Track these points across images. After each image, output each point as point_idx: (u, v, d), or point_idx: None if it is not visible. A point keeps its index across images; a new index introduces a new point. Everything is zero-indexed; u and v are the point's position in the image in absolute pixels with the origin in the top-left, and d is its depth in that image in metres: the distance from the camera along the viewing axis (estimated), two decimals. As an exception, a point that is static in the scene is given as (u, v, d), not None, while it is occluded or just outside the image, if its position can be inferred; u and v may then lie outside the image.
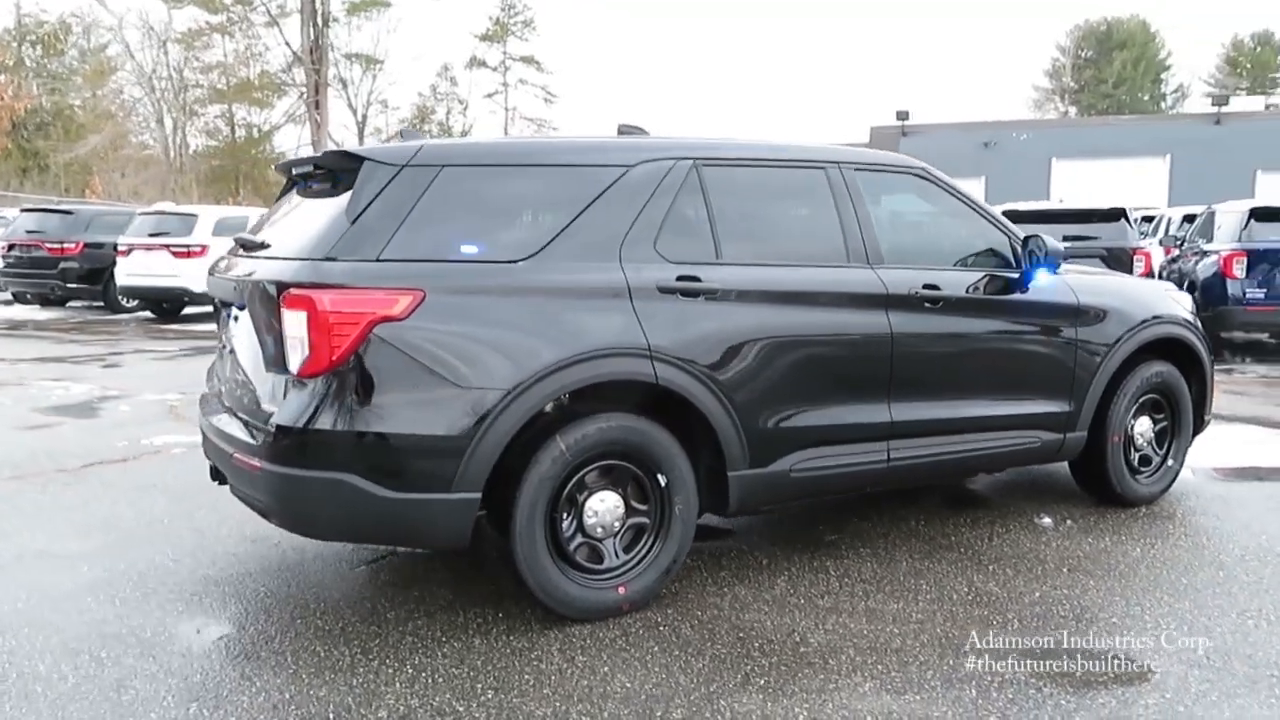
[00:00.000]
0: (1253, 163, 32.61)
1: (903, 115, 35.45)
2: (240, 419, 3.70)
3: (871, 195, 4.32)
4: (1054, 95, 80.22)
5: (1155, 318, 5.05)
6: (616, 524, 3.64)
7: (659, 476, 3.66)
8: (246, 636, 3.50)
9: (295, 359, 3.31)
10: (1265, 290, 10.22)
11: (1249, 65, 77.27)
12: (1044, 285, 4.64)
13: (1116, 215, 11.38)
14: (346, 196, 3.47)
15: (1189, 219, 14.90)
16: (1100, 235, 11.08)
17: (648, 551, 3.70)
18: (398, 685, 3.12)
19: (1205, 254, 11.12)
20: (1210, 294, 10.47)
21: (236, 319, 3.94)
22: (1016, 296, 4.57)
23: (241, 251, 3.93)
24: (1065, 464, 5.16)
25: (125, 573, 4.08)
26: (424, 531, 3.45)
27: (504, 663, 3.30)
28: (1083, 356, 4.76)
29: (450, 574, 4.10)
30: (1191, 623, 3.61)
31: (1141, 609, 3.75)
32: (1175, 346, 5.17)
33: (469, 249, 3.51)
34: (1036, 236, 4.58)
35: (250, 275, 3.63)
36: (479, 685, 3.13)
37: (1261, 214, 10.67)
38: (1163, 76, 78.69)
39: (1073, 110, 76.08)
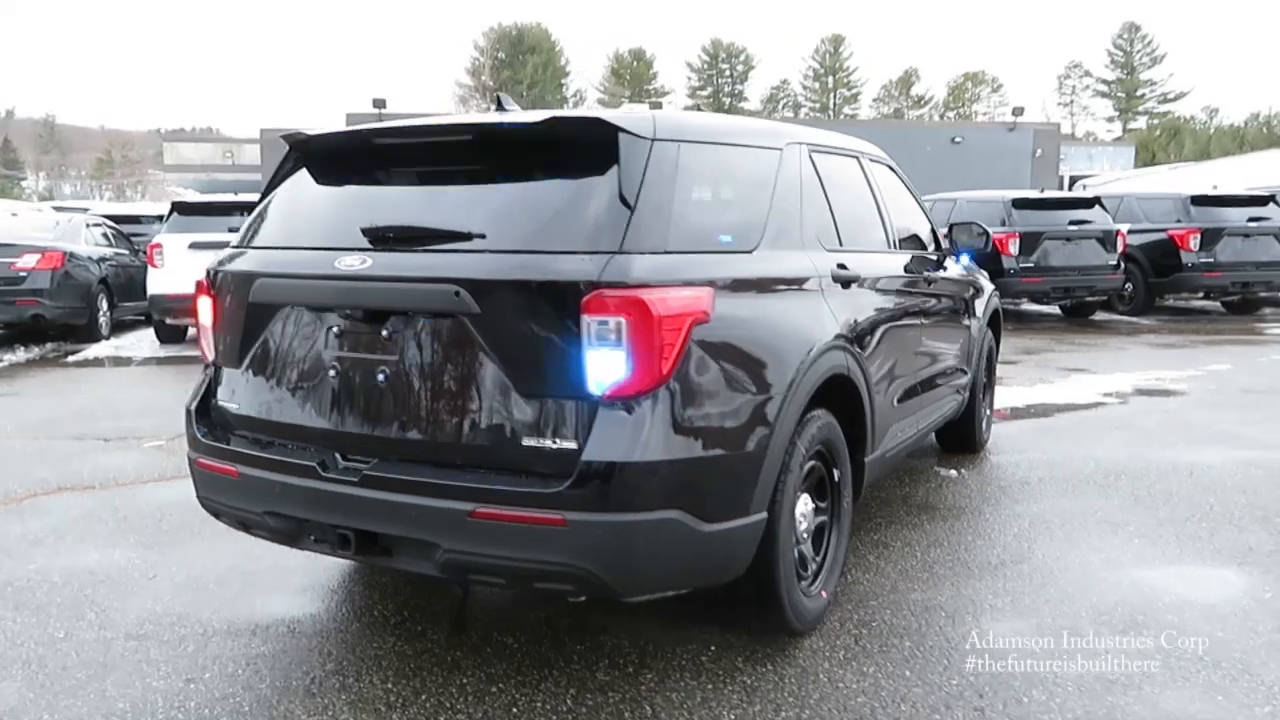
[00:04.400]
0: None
1: (379, 103, 35.04)
2: (444, 462, 2.81)
3: (883, 183, 4.59)
4: (476, 93, 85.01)
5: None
6: (811, 526, 3.49)
7: (834, 470, 3.58)
8: None
9: (606, 376, 2.63)
10: None
11: (629, 76, 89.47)
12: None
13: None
14: (571, 175, 2.85)
15: None
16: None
17: (829, 550, 3.60)
18: None
19: None
20: None
21: (340, 332, 2.96)
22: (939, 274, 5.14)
23: (346, 248, 2.94)
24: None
25: None
26: (725, 566, 2.95)
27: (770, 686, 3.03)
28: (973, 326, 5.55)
29: (606, 614, 3.55)
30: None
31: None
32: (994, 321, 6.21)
33: (725, 238, 3.08)
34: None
35: (429, 274, 2.78)
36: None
37: None
38: (564, 82, 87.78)
39: (493, 107, 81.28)
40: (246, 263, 3.25)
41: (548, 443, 2.69)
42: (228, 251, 3.40)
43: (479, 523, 2.69)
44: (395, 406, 2.89)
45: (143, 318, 13.31)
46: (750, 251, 3.17)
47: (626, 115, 2.93)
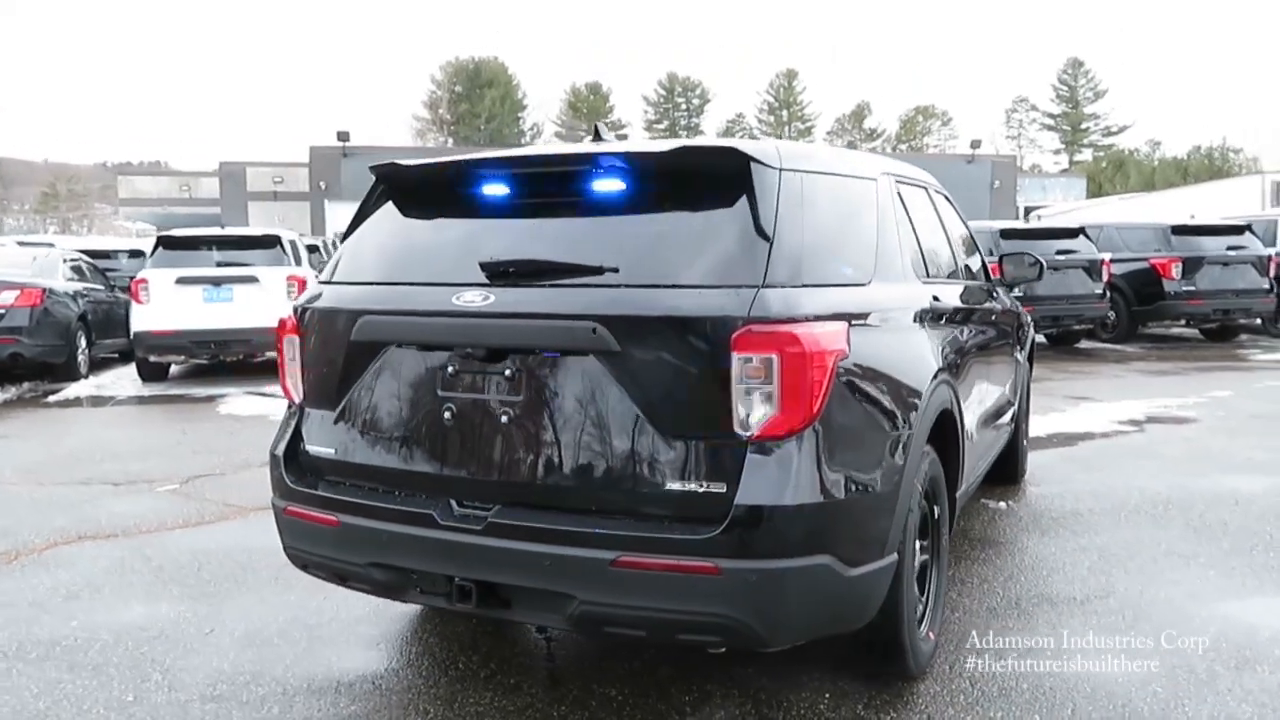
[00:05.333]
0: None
1: (344, 136, 34.77)
2: (577, 508, 2.66)
3: (944, 213, 4.54)
4: (433, 126, 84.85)
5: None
6: (917, 566, 3.39)
7: (935, 508, 3.48)
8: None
9: (755, 415, 2.51)
10: None
11: (585, 109, 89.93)
12: None
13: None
14: (703, 206, 2.75)
15: None
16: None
17: (931, 590, 3.49)
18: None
19: None
20: None
21: (455, 371, 2.81)
22: None
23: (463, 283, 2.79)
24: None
25: None
26: (863, 611, 2.82)
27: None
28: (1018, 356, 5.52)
29: (703, 661, 3.39)
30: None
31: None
32: None
33: (846, 270, 2.99)
34: None
35: (562, 310, 2.65)
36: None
37: None
38: (521, 115, 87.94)
39: (450, 141, 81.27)
40: (344, 299, 3.08)
41: (693, 486, 2.55)
42: (315, 288, 3.23)
43: (621, 572, 2.54)
44: (520, 450, 2.73)
45: (116, 355, 12.91)
46: (866, 284, 3.08)
47: (754, 145, 2.83)
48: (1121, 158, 74.08)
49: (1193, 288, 13.39)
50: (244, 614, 4.02)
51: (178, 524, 5.42)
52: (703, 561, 2.49)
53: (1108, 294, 13.31)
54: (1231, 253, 13.64)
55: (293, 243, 11.94)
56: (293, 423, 3.22)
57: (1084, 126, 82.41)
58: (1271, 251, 13.98)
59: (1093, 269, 13.12)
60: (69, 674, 3.48)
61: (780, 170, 2.81)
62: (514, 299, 2.73)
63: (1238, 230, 14.10)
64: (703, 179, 2.78)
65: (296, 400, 3.20)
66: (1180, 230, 13.96)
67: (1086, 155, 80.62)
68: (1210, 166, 66.83)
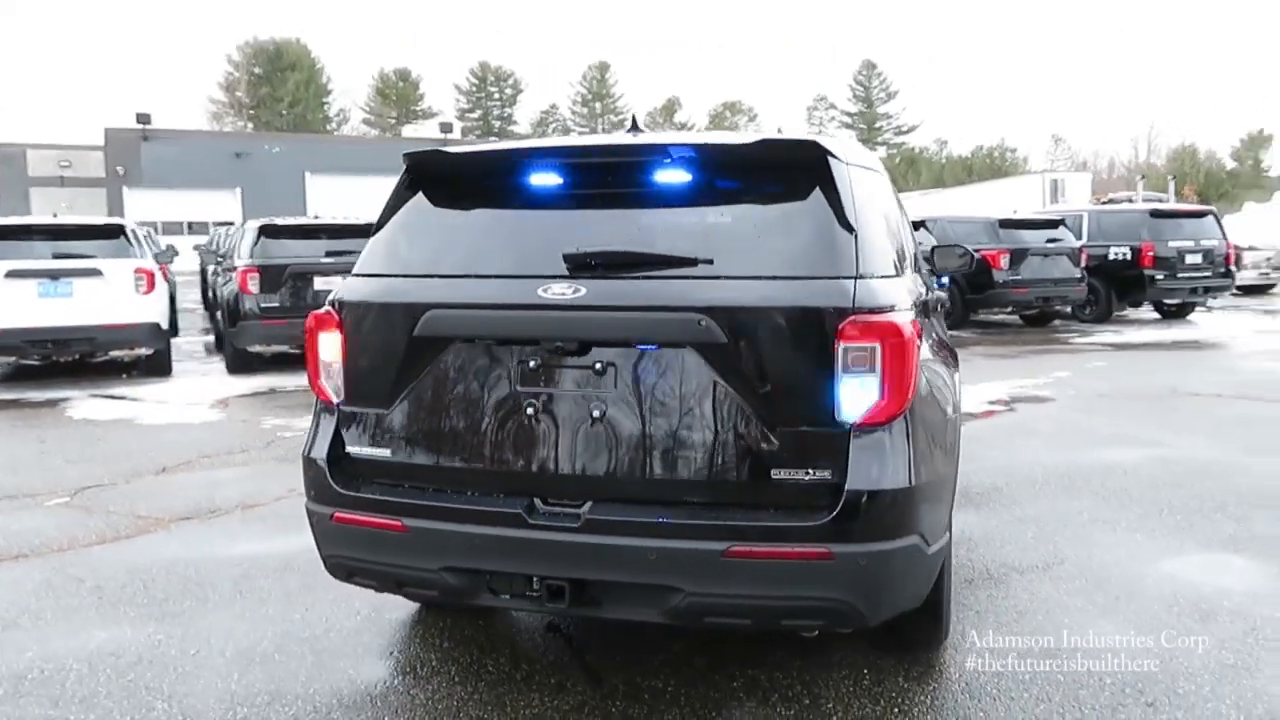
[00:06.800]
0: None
1: (144, 118, 32.36)
2: (680, 501, 2.64)
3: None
4: (231, 109, 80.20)
5: None
6: None
7: None
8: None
9: (859, 402, 2.58)
10: (279, 303, 10.54)
11: (395, 96, 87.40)
12: None
13: None
14: (786, 199, 2.81)
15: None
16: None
17: None
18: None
19: (232, 270, 11.13)
20: (232, 309, 10.75)
21: (536, 366, 2.74)
22: None
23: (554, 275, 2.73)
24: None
25: None
26: (930, 585, 2.94)
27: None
28: None
29: (732, 647, 3.44)
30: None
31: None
32: None
33: (895, 260, 3.10)
34: None
35: (666, 302, 2.63)
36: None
37: (270, 231, 11.13)
38: (326, 101, 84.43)
39: (250, 126, 77.07)
40: (400, 293, 2.92)
41: (800, 474, 2.60)
42: (355, 282, 3.04)
43: (733, 562, 2.56)
44: (614, 444, 2.70)
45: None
46: (902, 275, 3.21)
47: (827, 140, 2.90)
48: (913, 155, 79.06)
49: (1018, 277, 14.51)
50: (225, 631, 3.75)
51: (92, 540, 4.96)
52: (816, 548, 2.55)
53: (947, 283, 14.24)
54: (1050, 245, 14.89)
55: (135, 232, 11.07)
56: (331, 424, 3.03)
57: (878, 125, 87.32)
58: (1081, 244, 15.35)
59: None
60: (56, 710, 3.15)
61: (848, 165, 2.89)
62: (607, 291, 2.69)
63: (1054, 224, 15.41)
64: (781, 172, 2.83)
65: (335, 401, 3.01)
66: (1006, 224, 15.11)
67: (881, 152, 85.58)
68: (992, 165, 72.41)
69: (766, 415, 2.62)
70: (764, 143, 2.81)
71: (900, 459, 2.63)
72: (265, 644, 3.63)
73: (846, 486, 2.57)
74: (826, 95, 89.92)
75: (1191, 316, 16.53)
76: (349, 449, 2.99)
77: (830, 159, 2.80)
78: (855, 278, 2.65)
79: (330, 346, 2.99)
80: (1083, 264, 15.04)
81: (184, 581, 4.31)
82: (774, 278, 2.67)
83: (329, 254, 10.92)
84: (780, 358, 2.63)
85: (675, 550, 2.60)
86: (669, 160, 2.81)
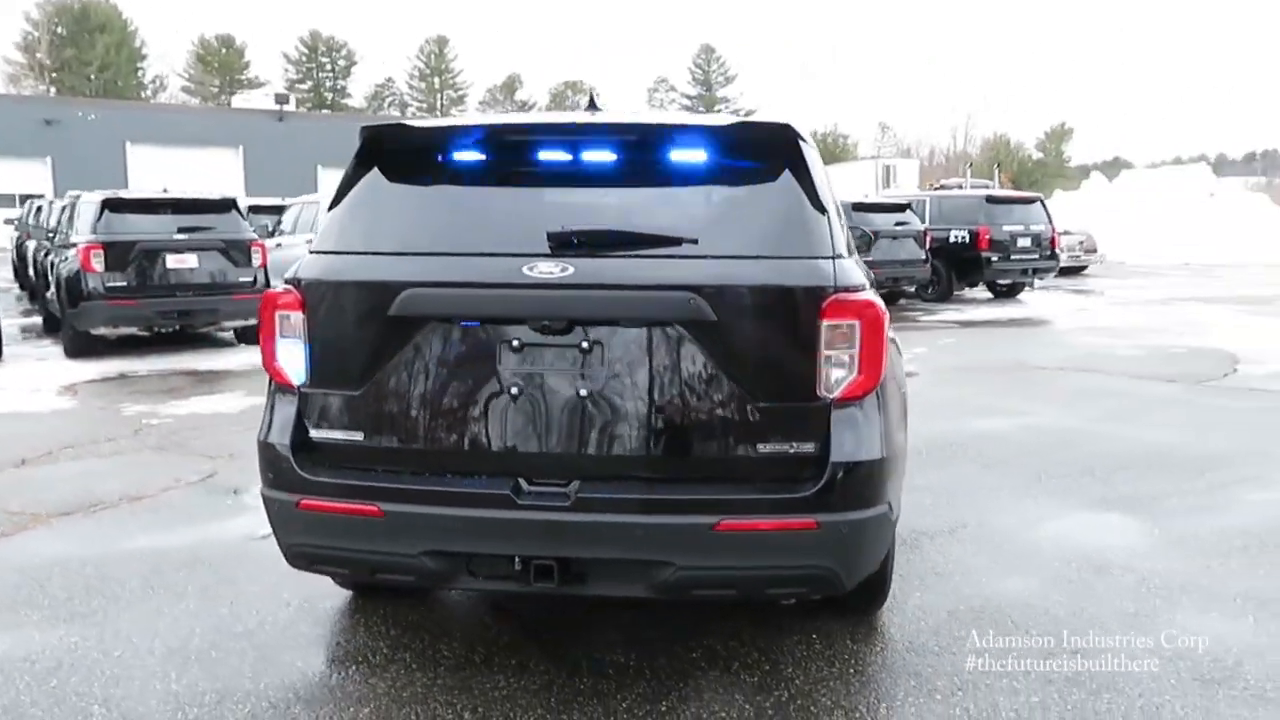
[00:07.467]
0: (315, 158, 36.01)
1: (-63, 79, 29.32)
2: (669, 477, 2.66)
3: None
4: (30, 71, 73.94)
5: None
6: None
7: None
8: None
9: (839, 378, 2.68)
10: (127, 283, 9.90)
11: (217, 64, 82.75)
12: None
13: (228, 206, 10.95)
14: (761, 180, 2.87)
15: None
16: (216, 226, 10.61)
17: None
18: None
19: (70, 246, 10.40)
20: (72, 289, 9.93)
21: (521, 345, 2.71)
22: None
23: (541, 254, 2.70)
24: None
25: None
26: (886, 550, 3.08)
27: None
28: None
29: (674, 618, 3.51)
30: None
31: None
32: None
33: (847, 242, 3.21)
34: None
35: (656, 280, 2.65)
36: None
37: (114, 205, 10.36)
38: (141, 66, 79.06)
39: (54, 90, 71.41)
40: (371, 270, 2.81)
41: (786, 448, 2.69)
42: (316, 259, 2.91)
43: (723, 535, 2.62)
44: (601, 423, 2.70)
45: None
46: (851, 255, 3.33)
47: (796, 123, 2.97)
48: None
49: (870, 258, 15.12)
50: (146, 630, 3.54)
51: (-34, 539, 4.56)
52: (803, 518, 2.64)
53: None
54: (899, 228, 15.63)
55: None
56: (291, 407, 2.90)
57: (717, 108, 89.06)
58: (925, 227, 16.19)
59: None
60: (-20, 723, 2.90)
61: (811, 148, 2.98)
62: (595, 270, 2.68)
63: (901, 208, 16.18)
64: (756, 153, 2.89)
65: (296, 383, 2.88)
66: (859, 207, 15.74)
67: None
68: (826, 150, 75.13)
69: (752, 391, 2.69)
70: (741, 124, 2.86)
71: (875, 431, 2.76)
72: (197, 641, 3.45)
73: (830, 459, 2.67)
74: (667, 77, 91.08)
75: (1021, 296, 17.75)
76: (312, 433, 2.87)
77: (800, 142, 2.89)
78: (833, 258, 2.74)
79: (290, 326, 2.85)
80: (927, 245, 15.86)
81: (85, 580, 4.03)
82: (757, 257, 2.73)
83: (182, 230, 10.29)
84: (766, 336, 2.70)
85: (667, 525, 2.64)
86: (648, 139, 2.82)
